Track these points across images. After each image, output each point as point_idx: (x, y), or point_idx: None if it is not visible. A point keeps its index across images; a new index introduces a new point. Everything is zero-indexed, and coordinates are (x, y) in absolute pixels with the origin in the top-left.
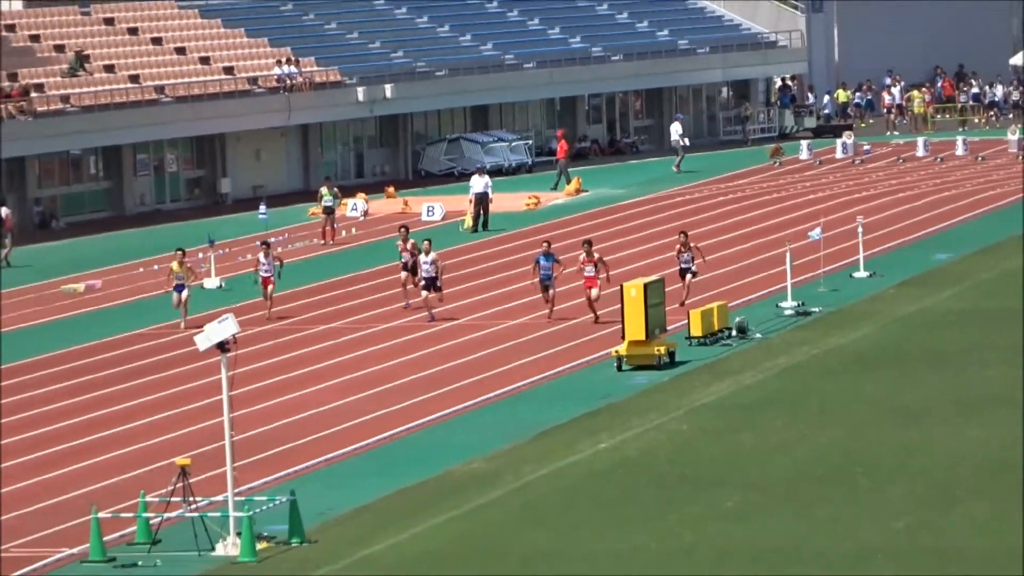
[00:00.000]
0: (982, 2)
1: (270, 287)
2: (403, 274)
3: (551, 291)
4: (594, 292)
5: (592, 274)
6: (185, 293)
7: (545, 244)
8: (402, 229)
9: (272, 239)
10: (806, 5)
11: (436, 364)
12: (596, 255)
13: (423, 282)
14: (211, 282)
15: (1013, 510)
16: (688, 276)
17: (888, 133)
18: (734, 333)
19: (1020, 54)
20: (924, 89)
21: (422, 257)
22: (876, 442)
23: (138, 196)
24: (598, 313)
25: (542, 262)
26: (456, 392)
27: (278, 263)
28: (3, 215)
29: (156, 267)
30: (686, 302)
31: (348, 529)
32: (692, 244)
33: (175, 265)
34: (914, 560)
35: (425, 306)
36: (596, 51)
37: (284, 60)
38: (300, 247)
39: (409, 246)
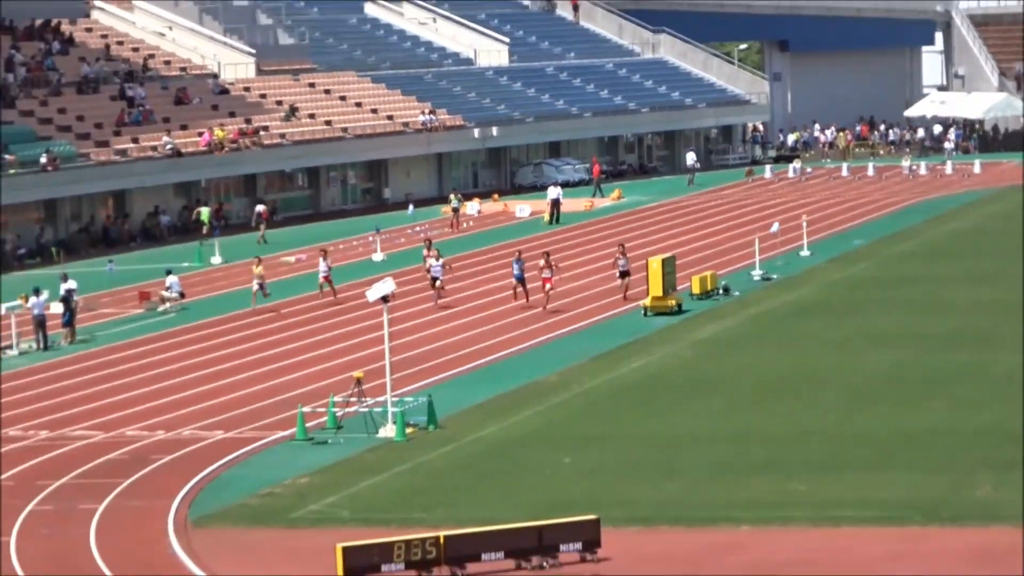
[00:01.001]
0: (887, 75)
1: (437, 282)
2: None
3: (524, 287)
4: (550, 288)
5: (548, 276)
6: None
7: (517, 252)
8: (427, 241)
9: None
10: (769, 76)
11: (522, 312)
12: (552, 262)
13: (434, 280)
14: (377, 256)
15: (907, 410)
16: (626, 278)
17: (823, 160)
18: (721, 292)
19: (911, 108)
20: (847, 131)
21: (431, 262)
22: (813, 363)
23: (330, 200)
24: (548, 307)
25: (515, 268)
26: (538, 330)
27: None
28: (261, 210)
29: (342, 246)
30: (626, 296)
31: (466, 419)
32: (627, 254)
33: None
34: (839, 441)
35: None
36: (631, 105)
37: (426, 111)
38: (436, 233)
39: (433, 253)
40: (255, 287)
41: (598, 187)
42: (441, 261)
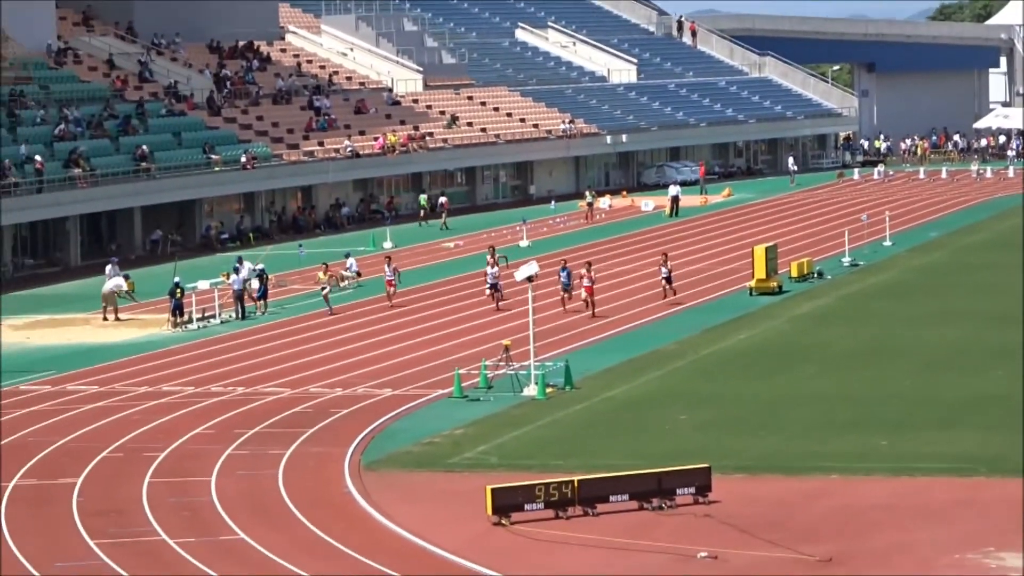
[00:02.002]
0: (958, 92)
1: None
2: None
3: (569, 294)
4: (587, 297)
5: (589, 284)
6: (326, 291)
7: (563, 261)
8: (491, 248)
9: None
10: (858, 92)
11: (649, 289)
12: (592, 271)
13: (492, 288)
14: (524, 242)
15: (974, 377)
16: (669, 283)
17: (903, 165)
18: (816, 276)
19: (978, 121)
20: (924, 140)
21: (489, 269)
22: (893, 336)
23: (484, 195)
24: (595, 310)
25: (561, 275)
26: (659, 307)
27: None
28: (443, 201)
29: (492, 233)
30: (666, 297)
31: (598, 381)
32: (669, 263)
33: (320, 275)
34: (915, 403)
35: (495, 300)
36: (740, 117)
37: (566, 120)
38: (572, 224)
39: (496, 258)
40: (324, 293)
41: (703, 186)
42: (498, 269)
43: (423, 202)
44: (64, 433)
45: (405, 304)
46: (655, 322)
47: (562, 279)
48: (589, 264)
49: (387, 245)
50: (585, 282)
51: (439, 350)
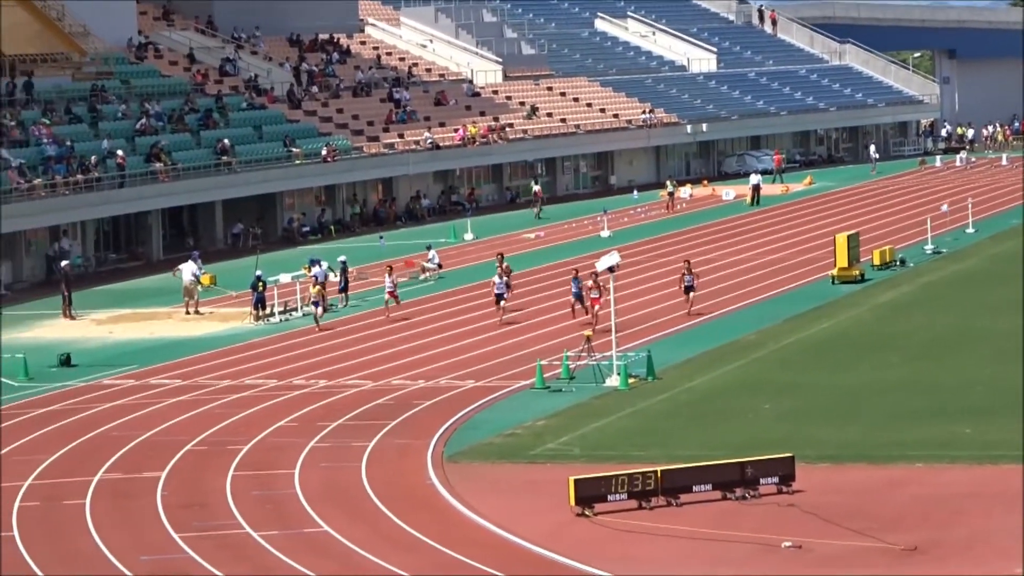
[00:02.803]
0: None
1: (501, 301)
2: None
3: (582, 304)
4: (597, 308)
5: (597, 296)
6: (319, 309)
7: (575, 271)
8: (499, 256)
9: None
10: (939, 79)
11: (729, 279)
12: (600, 282)
13: (498, 297)
14: (605, 233)
15: None
16: (691, 293)
17: (985, 152)
18: (898, 263)
19: None
20: (1006, 126)
21: (496, 279)
22: (976, 324)
23: (564, 185)
24: (596, 327)
25: (573, 287)
26: (740, 296)
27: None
28: (536, 190)
29: (574, 224)
30: (690, 311)
31: (680, 371)
32: (694, 270)
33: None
34: (998, 390)
35: (500, 313)
36: (820, 105)
37: (646, 110)
38: (654, 214)
39: (504, 268)
40: (314, 308)
41: (779, 175)
42: (505, 280)
43: (534, 187)
44: (148, 427)
45: (486, 296)
46: (736, 312)
47: (573, 290)
48: (596, 275)
49: (468, 236)
50: (593, 294)
51: (520, 341)
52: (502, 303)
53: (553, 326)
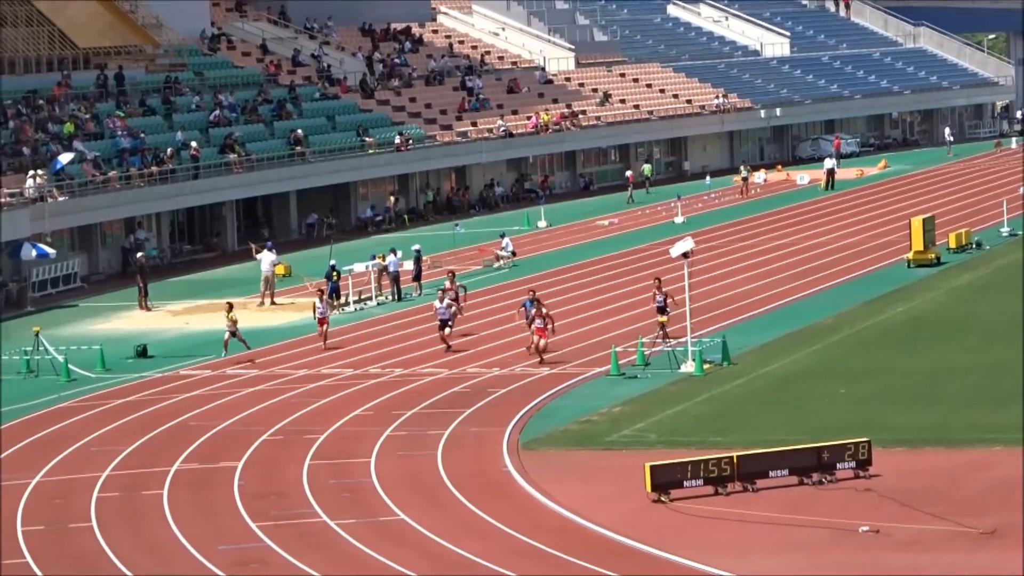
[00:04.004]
0: None
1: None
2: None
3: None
4: (541, 342)
5: (541, 325)
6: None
7: (531, 292)
8: (450, 274)
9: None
10: (1015, 61)
11: (806, 263)
12: (544, 310)
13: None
14: (679, 219)
15: None
16: (663, 314)
17: None
18: (974, 246)
19: None
20: None
21: (437, 303)
22: None
23: (638, 173)
24: (544, 358)
25: (528, 306)
26: (816, 280)
27: None
28: (629, 174)
29: (648, 210)
30: (666, 336)
31: (754, 357)
32: (665, 289)
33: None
34: None
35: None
36: (895, 88)
37: (720, 95)
38: (728, 199)
39: (451, 289)
40: (227, 335)
41: (839, 159)
42: (447, 302)
43: (647, 172)
44: (224, 417)
45: (560, 283)
46: (812, 296)
47: (527, 312)
48: (538, 300)
49: (541, 224)
50: (537, 323)
51: (595, 328)
52: (447, 330)
53: (627, 313)
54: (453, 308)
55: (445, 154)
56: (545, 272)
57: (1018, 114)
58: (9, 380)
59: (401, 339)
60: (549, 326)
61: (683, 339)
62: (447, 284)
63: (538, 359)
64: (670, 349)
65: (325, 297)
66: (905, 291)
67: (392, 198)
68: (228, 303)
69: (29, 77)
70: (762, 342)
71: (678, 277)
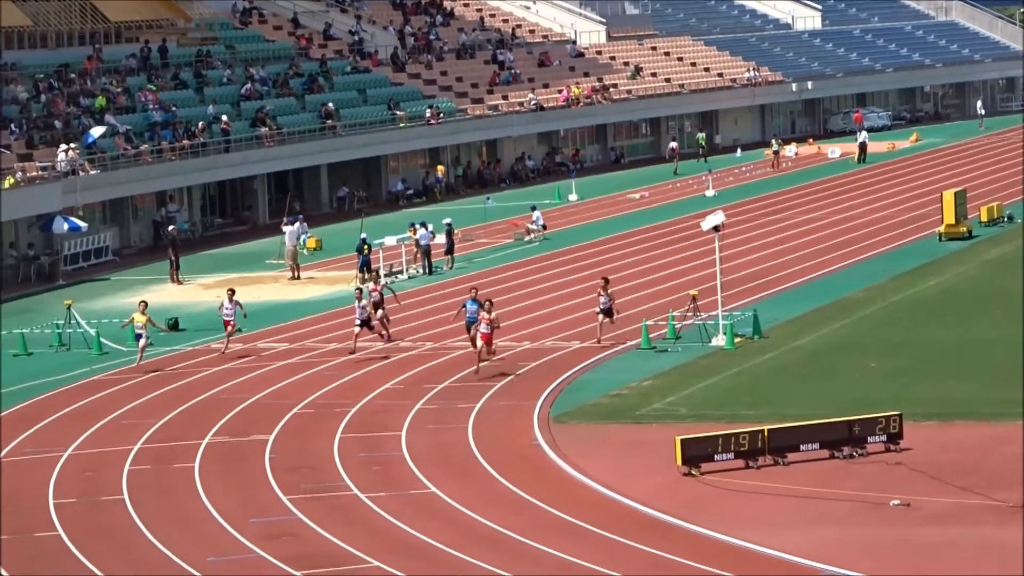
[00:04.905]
0: None
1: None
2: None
3: (474, 331)
4: (482, 346)
5: (487, 331)
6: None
7: (473, 291)
8: (372, 273)
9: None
10: None
11: (837, 236)
12: (493, 314)
13: (362, 322)
14: (709, 192)
15: None
16: (603, 316)
17: None
18: (1006, 220)
19: None
20: None
21: (359, 304)
22: None
23: (666, 147)
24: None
25: (468, 307)
26: (847, 253)
27: None
28: (674, 146)
29: (679, 184)
30: (600, 340)
31: (785, 330)
32: (610, 290)
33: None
34: None
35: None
36: (927, 61)
37: (751, 68)
38: (759, 173)
39: (381, 286)
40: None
41: (857, 134)
42: (372, 302)
43: (701, 140)
44: (255, 390)
45: (590, 256)
46: (843, 270)
47: (468, 313)
48: (490, 302)
49: (572, 197)
50: (483, 328)
51: (627, 301)
52: (362, 328)
53: (659, 286)
54: (368, 309)
55: (476, 127)
56: (576, 246)
57: None
58: (41, 353)
59: (432, 312)
60: (494, 329)
61: (714, 313)
62: (371, 286)
63: (476, 365)
64: (701, 323)
65: (368, 302)
66: (936, 264)
67: (440, 167)
68: (230, 288)
69: (61, 51)
70: (793, 316)
71: (709, 251)
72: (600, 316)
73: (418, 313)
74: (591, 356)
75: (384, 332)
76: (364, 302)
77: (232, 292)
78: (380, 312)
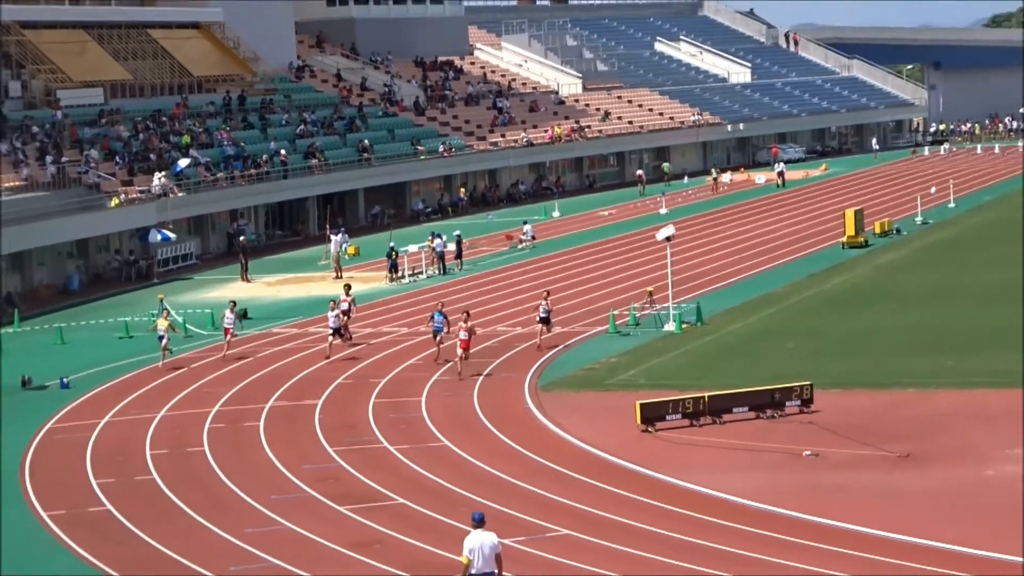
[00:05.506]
0: (1007, 84)
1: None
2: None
3: (442, 341)
4: (463, 353)
5: (465, 338)
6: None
7: (439, 304)
8: (346, 286)
9: None
10: (927, 86)
11: (763, 245)
12: (470, 324)
13: (336, 330)
14: (663, 210)
15: (1020, 310)
16: (546, 324)
17: (963, 143)
18: (895, 232)
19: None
20: (980, 123)
21: (330, 312)
22: (959, 279)
23: (631, 173)
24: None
25: (435, 318)
26: (771, 258)
27: None
28: (640, 173)
29: (639, 204)
30: (541, 347)
31: (722, 318)
32: (550, 300)
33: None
34: (975, 331)
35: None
36: (833, 107)
37: (696, 113)
38: (701, 195)
39: (351, 297)
40: (163, 343)
41: (775, 166)
42: (337, 313)
43: (666, 169)
44: (307, 365)
45: (570, 261)
46: (768, 271)
47: (435, 323)
48: (467, 313)
49: (555, 214)
50: (461, 335)
51: (597, 296)
52: (334, 339)
53: (622, 284)
54: (344, 319)
55: (480, 159)
56: (559, 252)
57: (931, 128)
58: (140, 336)
59: (446, 304)
60: (471, 336)
61: (667, 304)
62: (342, 296)
63: (458, 369)
64: (655, 313)
65: (339, 311)
66: (841, 267)
67: (462, 188)
68: (232, 302)
69: (155, 99)
70: (728, 307)
71: (662, 256)
72: (539, 324)
73: (434, 305)
74: (570, 338)
75: (347, 335)
76: (337, 311)
77: (233, 304)
78: (346, 319)
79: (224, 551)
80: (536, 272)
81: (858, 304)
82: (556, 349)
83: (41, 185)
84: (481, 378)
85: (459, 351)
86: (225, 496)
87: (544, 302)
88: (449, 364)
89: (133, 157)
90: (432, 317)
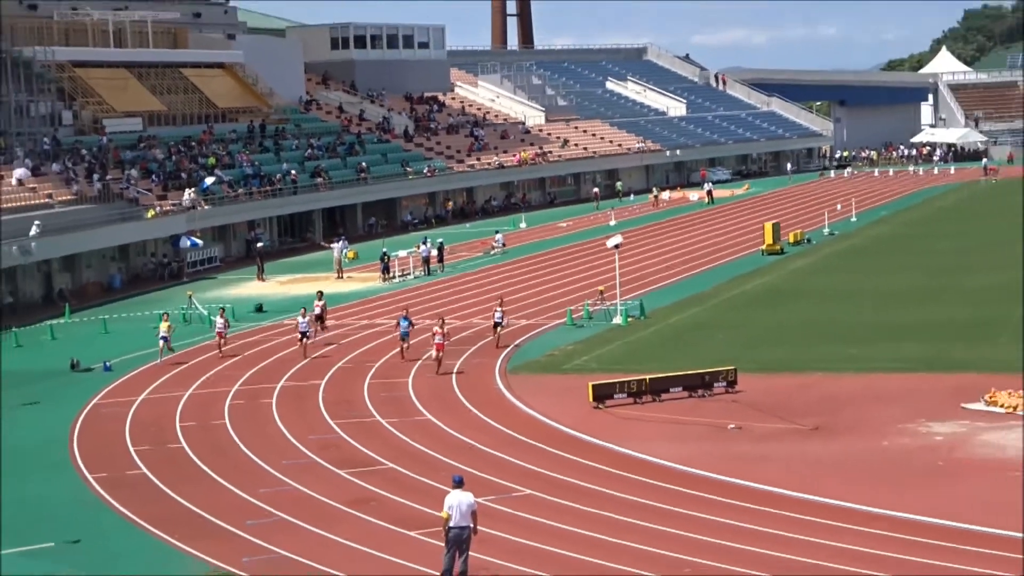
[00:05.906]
0: (902, 117)
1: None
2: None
3: (407, 343)
4: (439, 354)
5: (441, 341)
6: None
7: (404, 310)
8: (319, 292)
9: None
10: (833, 119)
11: (695, 251)
12: (446, 329)
13: (303, 336)
14: (612, 222)
15: (913, 308)
16: (499, 328)
17: (863, 167)
18: (806, 242)
19: (915, 136)
20: (877, 150)
21: (300, 317)
22: (860, 282)
23: (585, 191)
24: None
25: (402, 323)
26: (701, 263)
27: None
28: (596, 191)
29: (592, 217)
30: (498, 345)
31: (662, 313)
32: (503, 306)
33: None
34: (875, 326)
35: (304, 351)
36: (755, 137)
37: (640, 141)
38: (644, 210)
39: (324, 302)
40: (161, 343)
41: (704, 186)
42: (309, 317)
43: (619, 187)
44: (312, 352)
45: (535, 264)
46: (698, 274)
47: (401, 328)
48: (442, 320)
49: (522, 225)
50: (437, 339)
51: (556, 294)
52: (306, 340)
53: (577, 283)
54: (316, 325)
55: (459, 179)
56: (526, 256)
57: (836, 154)
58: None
59: (429, 300)
60: (447, 341)
61: (615, 301)
62: (316, 302)
63: (437, 368)
64: (606, 308)
65: (312, 316)
66: (761, 271)
67: (449, 202)
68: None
69: (185, 127)
70: (667, 303)
71: (611, 261)
72: (495, 328)
73: (420, 300)
74: (533, 330)
75: (321, 330)
76: (308, 317)
77: (223, 310)
78: (320, 323)
79: (242, 507)
80: (506, 273)
81: (776, 302)
82: (520, 339)
83: (89, 199)
84: (458, 363)
85: (435, 352)
86: (243, 462)
87: (499, 309)
88: (424, 357)
89: (167, 176)
90: (399, 322)
